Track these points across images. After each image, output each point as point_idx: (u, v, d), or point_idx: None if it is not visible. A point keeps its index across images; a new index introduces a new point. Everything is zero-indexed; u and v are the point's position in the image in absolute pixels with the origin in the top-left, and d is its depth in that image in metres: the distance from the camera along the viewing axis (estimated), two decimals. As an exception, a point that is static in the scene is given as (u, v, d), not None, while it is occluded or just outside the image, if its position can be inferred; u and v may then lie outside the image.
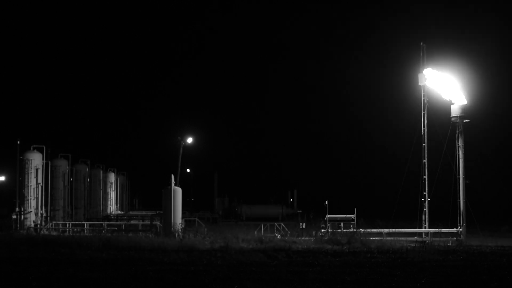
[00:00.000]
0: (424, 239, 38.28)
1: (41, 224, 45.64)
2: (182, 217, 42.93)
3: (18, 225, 44.26)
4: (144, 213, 69.91)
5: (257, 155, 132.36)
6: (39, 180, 46.26)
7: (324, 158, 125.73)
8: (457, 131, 39.66)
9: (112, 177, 71.04)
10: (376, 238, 37.38)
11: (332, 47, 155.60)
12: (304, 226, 41.49)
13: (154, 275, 22.90)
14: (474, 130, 43.39)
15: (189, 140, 50.65)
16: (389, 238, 37.79)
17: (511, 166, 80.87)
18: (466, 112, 39.68)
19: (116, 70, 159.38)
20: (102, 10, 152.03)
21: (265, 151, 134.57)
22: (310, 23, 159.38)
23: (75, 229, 44.68)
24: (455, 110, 39.72)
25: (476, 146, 47.12)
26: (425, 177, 41.11)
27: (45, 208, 47.42)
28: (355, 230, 38.77)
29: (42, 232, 43.27)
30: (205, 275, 22.87)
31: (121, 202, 79.22)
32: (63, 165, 52.87)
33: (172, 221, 40.18)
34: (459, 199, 39.04)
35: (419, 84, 41.70)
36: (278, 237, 39.07)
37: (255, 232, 40.46)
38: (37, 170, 46.06)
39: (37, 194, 46.08)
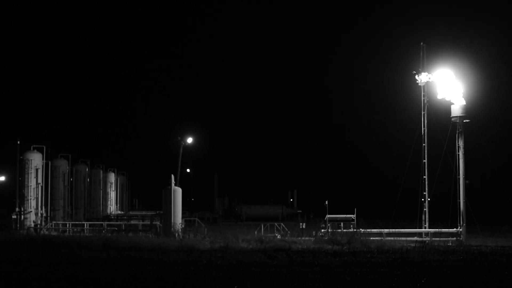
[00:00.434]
0: (424, 239, 38.28)
1: (41, 224, 45.64)
2: (182, 217, 42.92)
3: (18, 225, 44.27)
4: (144, 213, 69.91)
5: (257, 155, 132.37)
6: (39, 180, 46.26)
7: (324, 158, 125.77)
8: (457, 131, 39.66)
9: (112, 177, 71.03)
10: (376, 238, 37.38)
11: (332, 47, 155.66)
12: (304, 226, 41.49)
13: (154, 275, 22.90)
14: (474, 130, 43.41)
15: (189, 140, 50.69)
16: (389, 238, 37.80)
17: (511, 166, 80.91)
18: (466, 112, 39.69)
19: (116, 70, 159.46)
20: (102, 10, 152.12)
21: (265, 151, 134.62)
22: (310, 24, 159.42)
23: (75, 229, 44.68)
24: (455, 110, 39.72)
25: (476, 146, 47.08)
26: (425, 177, 41.12)
27: (45, 208, 47.42)
28: (355, 230, 38.77)
29: (42, 232, 43.27)
30: (205, 275, 22.87)
31: (121, 202, 79.19)
32: (63, 165, 52.86)
33: (172, 221, 40.17)
34: (459, 199, 39.04)
35: (419, 84, 41.70)
36: (278, 237, 39.07)
37: (255, 232, 40.46)
38: (37, 170, 46.06)
39: (37, 194, 46.08)
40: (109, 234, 40.19)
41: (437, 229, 39.50)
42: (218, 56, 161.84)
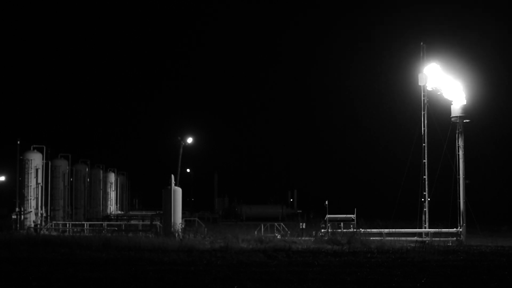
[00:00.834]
0: (424, 239, 38.26)
1: (41, 224, 45.64)
2: (182, 217, 42.92)
3: (18, 225, 44.27)
4: (144, 213, 69.92)
5: (257, 155, 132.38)
6: (39, 180, 46.26)
7: (324, 158, 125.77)
8: (457, 131, 39.65)
9: (112, 177, 71.03)
10: (376, 238, 37.36)
11: (332, 47, 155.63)
12: (304, 226, 41.46)
13: (154, 275, 22.89)
14: (474, 130, 43.41)
15: (189, 140, 50.68)
16: (389, 238, 37.78)
17: (511, 166, 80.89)
18: (466, 112, 39.67)
19: (116, 70, 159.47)
20: (102, 10, 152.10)
21: (265, 151, 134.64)
22: (310, 24, 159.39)
23: (75, 229, 44.68)
24: (455, 110, 39.71)
25: (476, 146, 47.13)
26: (425, 177, 41.11)
27: (45, 208, 47.42)
28: (355, 230, 38.74)
29: (42, 232, 43.27)
30: (205, 275, 22.86)
31: (121, 202, 79.19)
32: (63, 165, 52.86)
33: (172, 221, 40.17)
34: (459, 199, 39.03)
35: (419, 84, 41.70)
36: (278, 237, 39.06)
37: (255, 232, 40.46)
38: (37, 170, 46.06)
39: (37, 194, 46.08)
40: (109, 234, 40.17)
41: (437, 229, 39.48)
42: (218, 56, 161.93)
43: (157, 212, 53.32)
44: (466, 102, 39.89)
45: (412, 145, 41.61)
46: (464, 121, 39.56)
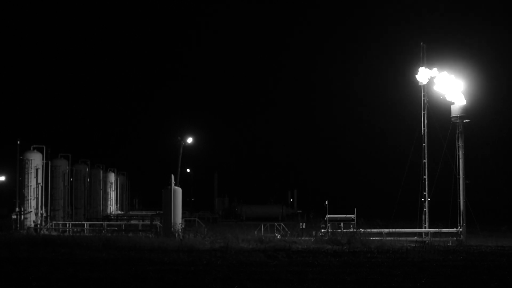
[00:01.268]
0: (424, 239, 38.26)
1: (41, 224, 45.63)
2: (182, 217, 42.91)
3: (18, 225, 44.25)
4: (144, 213, 69.94)
5: (257, 155, 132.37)
6: (39, 180, 46.24)
7: (324, 158, 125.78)
8: (457, 131, 39.64)
9: (112, 177, 71.02)
10: (376, 238, 37.36)
11: (332, 47, 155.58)
12: (304, 226, 41.45)
13: (154, 275, 22.89)
14: (474, 130, 43.38)
15: (189, 140, 50.65)
16: (389, 238, 37.77)
17: (511, 166, 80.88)
18: (466, 112, 39.66)
19: (116, 70, 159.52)
20: (102, 10, 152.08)
21: (265, 151, 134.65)
22: (310, 23, 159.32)
23: (75, 229, 44.68)
24: (455, 110, 39.70)
25: (476, 146, 47.09)
26: (425, 177, 41.11)
27: (45, 208, 47.39)
28: (355, 230, 38.73)
29: (42, 232, 43.27)
30: (205, 275, 22.86)
31: (121, 202, 79.19)
32: (63, 165, 52.84)
33: (172, 221, 40.16)
34: (459, 199, 39.03)
35: (419, 84, 41.69)
36: (278, 237, 39.05)
37: (255, 232, 40.45)
38: (37, 170, 46.04)
39: (37, 194, 46.06)
40: (109, 234, 40.18)
41: (437, 229, 39.48)
42: (218, 56, 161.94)
43: (157, 212, 53.32)
44: (466, 102, 39.89)
45: (412, 145, 41.63)
46: (464, 121, 39.55)
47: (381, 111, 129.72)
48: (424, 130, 41.48)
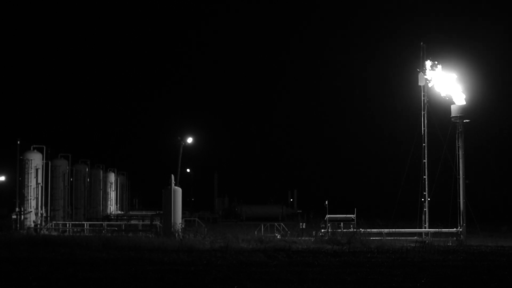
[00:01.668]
0: (424, 239, 38.25)
1: (41, 224, 45.63)
2: (182, 217, 42.91)
3: (18, 225, 44.25)
4: (144, 213, 69.93)
5: (257, 155, 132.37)
6: (39, 180, 46.24)
7: (324, 158, 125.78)
8: (457, 131, 39.65)
9: (112, 177, 71.02)
10: (376, 238, 37.37)
11: (332, 47, 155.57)
12: (304, 226, 41.46)
13: (154, 275, 22.89)
14: (474, 130, 43.41)
15: (189, 140, 50.64)
16: (389, 238, 37.79)
17: (511, 166, 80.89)
18: (466, 112, 39.66)
19: (116, 70, 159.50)
20: (102, 10, 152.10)
21: (265, 151, 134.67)
22: (310, 23, 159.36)
23: (75, 229, 44.68)
24: (455, 110, 39.70)
25: (476, 146, 47.12)
26: (425, 177, 41.11)
27: (45, 208, 47.39)
28: (355, 230, 38.73)
29: (42, 232, 43.26)
30: (205, 275, 22.86)
31: (121, 202, 79.19)
32: (63, 165, 52.83)
33: (172, 221, 40.15)
34: (459, 199, 39.03)
35: (419, 84, 41.70)
36: (278, 237, 39.05)
37: (255, 232, 40.45)
38: (37, 170, 46.04)
39: (37, 194, 46.05)
40: (109, 234, 40.18)
41: (437, 229, 39.48)
42: (218, 56, 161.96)
43: (157, 212, 53.34)
44: (466, 102, 39.90)
45: (412, 145, 41.63)
46: (464, 121, 39.55)
47: (381, 111, 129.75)
48: (424, 130, 41.48)
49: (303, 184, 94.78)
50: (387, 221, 40.99)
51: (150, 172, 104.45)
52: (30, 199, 45.59)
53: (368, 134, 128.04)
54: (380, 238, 37.57)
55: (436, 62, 41.08)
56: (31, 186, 45.75)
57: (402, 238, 38.04)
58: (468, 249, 33.76)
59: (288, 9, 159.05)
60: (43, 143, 47.67)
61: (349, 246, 33.68)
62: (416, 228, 40.36)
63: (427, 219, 40.60)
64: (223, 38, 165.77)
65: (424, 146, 41.41)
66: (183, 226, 41.33)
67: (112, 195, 71.45)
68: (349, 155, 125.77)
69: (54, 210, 50.60)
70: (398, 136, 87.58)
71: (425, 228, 40.30)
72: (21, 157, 46.10)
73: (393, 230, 39.00)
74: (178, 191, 41.21)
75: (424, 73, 41.28)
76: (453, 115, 39.74)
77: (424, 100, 41.66)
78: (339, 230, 39.40)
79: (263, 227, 42.00)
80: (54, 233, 42.83)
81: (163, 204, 41.09)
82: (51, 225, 45.65)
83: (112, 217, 62.44)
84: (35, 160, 46.19)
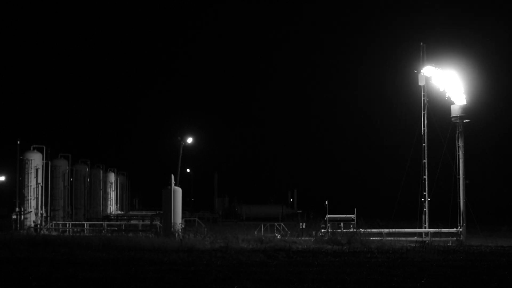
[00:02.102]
0: (424, 239, 38.26)
1: (41, 224, 45.64)
2: (182, 217, 42.92)
3: (18, 225, 44.28)
4: (144, 213, 69.95)
5: (257, 155, 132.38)
6: (39, 180, 46.26)
7: (324, 158, 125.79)
8: (457, 131, 39.67)
9: (112, 177, 71.02)
10: (376, 238, 37.38)
11: (331, 47, 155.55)
12: (304, 226, 41.46)
13: (154, 275, 22.89)
14: (474, 130, 43.39)
15: (189, 140, 50.65)
16: (389, 238, 37.80)
17: (511, 166, 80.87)
18: (466, 112, 39.67)
19: (116, 70, 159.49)
20: (102, 10, 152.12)
21: (265, 151, 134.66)
22: (310, 23, 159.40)
23: (75, 229, 44.69)
24: (455, 110, 39.72)
25: (476, 146, 47.10)
26: (425, 177, 41.11)
27: (45, 208, 47.42)
28: (355, 230, 38.75)
29: (42, 232, 43.28)
30: (205, 275, 22.86)
31: (121, 202, 79.20)
32: (63, 165, 52.85)
33: (172, 221, 40.17)
34: (459, 199, 39.04)
35: (419, 84, 41.71)
36: (278, 237, 39.06)
37: (255, 232, 40.46)
38: (37, 170, 46.06)
39: (37, 194, 46.08)
40: (109, 234, 40.20)
41: (437, 229, 39.49)
42: (218, 56, 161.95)
43: (157, 212, 53.36)
44: (466, 102, 39.91)
45: (412, 145, 41.64)
46: (464, 121, 39.57)
47: (381, 111, 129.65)
48: (424, 130, 41.49)
49: (303, 184, 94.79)
50: (387, 221, 41.00)
51: (150, 172, 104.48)
52: (30, 199, 45.61)
53: (368, 134, 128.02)
54: (380, 238, 37.58)
55: (436, 63, 41.12)
56: (31, 186, 45.77)
57: (402, 238, 38.05)
58: (468, 249, 33.77)
59: (285, 8, 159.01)
60: (43, 143, 47.75)
61: (349, 246, 33.69)
62: (416, 228, 40.37)
63: (427, 219, 40.61)
64: (224, 38, 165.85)
65: (424, 146, 41.42)
66: (183, 226, 41.35)
67: (112, 195, 71.45)
68: (349, 155, 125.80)
69: (54, 210, 50.62)
70: (398, 136, 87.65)
71: (425, 228, 40.31)
72: (21, 157, 46.13)
73: (393, 230, 39.01)
74: (178, 191, 41.22)
75: (424, 73, 41.27)
76: (453, 115, 39.75)
77: (424, 100, 41.66)
78: (339, 230, 39.41)
79: (263, 227, 42.01)
80: (54, 233, 42.85)
81: (163, 204, 41.10)
82: (51, 225, 45.66)
83: (112, 217, 62.45)
84: (35, 160, 46.21)
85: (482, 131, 45.94)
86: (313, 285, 20.79)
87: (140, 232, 41.82)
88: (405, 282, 21.42)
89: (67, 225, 45.96)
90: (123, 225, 45.62)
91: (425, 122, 41.57)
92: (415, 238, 38.52)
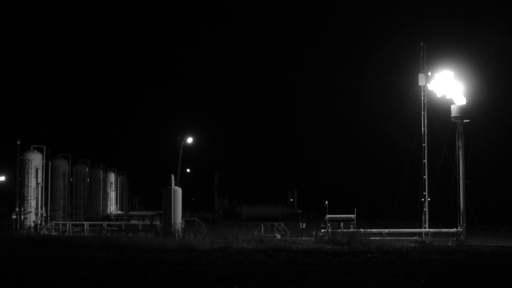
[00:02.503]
0: (424, 239, 38.27)
1: (41, 224, 45.64)
2: (182, 217, 42.93)
3: (18, 225, 44.27)
4: (144, 213, 69.97)
5: (257, 155, 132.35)
6: (39, 180, 46.25)
7: (323, 158, 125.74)
8: (457, 131, 39.67)
9: (112, 177, 71.03)
10: (376, 238, 37.38)
11: (331, 47, 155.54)
12: (304, 226, 41.47)
13: (154, 275, 22.90)
14: (474, 130, 43.42)
15: (189, 140, 50.64)
16: (389, 238, 37.80)
17: (511, 166, 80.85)
18: (466, 112, 39.69)
19: (116, 70, 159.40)
20: (102, 10, 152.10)
21: (265, 151, 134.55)
22: (310, 23, 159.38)
23: (75, 229, 44.69)
24: (455, 110, 39.73)
25: (476, 146, 47.12)
26: (425, 177, 41.12)
27: (45, 208, 47.40)
28: (355, 230, 38.75)
29: (42, 232, 43.28)
30: (205, 275, 22.87)
31: (121, 202, 79.22)
32: (63, 165, 52.84)
33: (172, 221, 40.18)
34: (459, 199, 39.05)
35: (419, 84, 41.72)
36: (278, 237, 39.07)
37: (255, 232, 40.46)
38: (37, 170, 46.05)
39: (37, 194, 46.06)
40: (109, 234, 40.20)
41: (437, 229, 39.50)
42: (218, 55, 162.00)
43: (157, 212, 53.37)
44: (466, 102, 39.92)
45: (412, 145, 41.64)
46: (464, 121, 39.58)
47: (381, 111, 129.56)
48: (424, 130, 41.49)
49: (303, 184, 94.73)
50: (387, 221, 41.01)
51: (150, 172, 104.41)
52: (30, 199, 45.60)
53: (368, 134, 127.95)
54: (380, 238, 37.58)
55: (436, 63, 41.19)
56: (31, 186, 45.77)
57: (402, 238, 38.06)
58: (468, 249, 33.78)
59: (286, 9, 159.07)
60: (43, 143, 47.72)
61: (349, 246, 33.69)
62: (416, 228, 40.37)
63: (427, 219, 40.61)
64: (224, 38, 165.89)
65: (424, 146, 41.43)
66: (183, 226, 41.35)
67: (112, 195, 71.48)
68: (349, 155, 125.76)
69: (54, 210, 50.60)
70: (398, 136, 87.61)
71: (425, 228, 40.31)
72: (21, 157, 46.12)
73: (393, 230, 39.01)
74: (178, 191, 41.23)
75: (424, 73, 41.27)
76: (453, 115, 39.77)
77: (424, 100, 41.67)
78: (339, 230, 39.42)
79: (263, 227, 42.01)
80: (54, 233, 42.85)
81: (163, 204, 41.11)
82: (51, 225, 45.66)
83: (112, 217, 62.45)
84: (35, 160, 46.20)
85: (482, 131, 45.89)
86: (313, 285, 20.80)
87: (140, 232, 41.82)
88: (405, 282, 21.43)
89: (67, 225, 45.96)
90: (123, 225, 45.62)
91: (425, 122, 41.57)
92: (415, 238, 38.51)
